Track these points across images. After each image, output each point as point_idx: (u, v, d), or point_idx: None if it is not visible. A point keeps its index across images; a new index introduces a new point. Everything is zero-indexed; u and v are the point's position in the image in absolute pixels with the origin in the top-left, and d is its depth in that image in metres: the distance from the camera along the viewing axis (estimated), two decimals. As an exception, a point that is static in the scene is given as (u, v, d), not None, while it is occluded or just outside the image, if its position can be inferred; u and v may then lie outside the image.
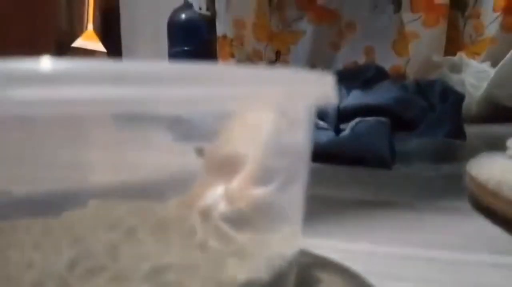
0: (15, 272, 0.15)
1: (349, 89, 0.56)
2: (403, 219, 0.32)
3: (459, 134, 0.53)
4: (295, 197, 0.19)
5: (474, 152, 0.39)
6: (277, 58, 1.09)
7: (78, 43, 1.46)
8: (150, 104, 0.13)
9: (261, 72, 0.14)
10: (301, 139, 0.19)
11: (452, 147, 0.51)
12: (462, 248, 0.27)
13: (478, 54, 0.93)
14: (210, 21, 1.07)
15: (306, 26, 1.06)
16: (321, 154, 0.47)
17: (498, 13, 0.92)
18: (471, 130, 0.58)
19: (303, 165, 0.19)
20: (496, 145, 0.38)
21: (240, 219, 0.17)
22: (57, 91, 0.12)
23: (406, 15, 0.97)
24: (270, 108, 0.17)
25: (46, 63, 0.12)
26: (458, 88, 0.69)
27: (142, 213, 0.19)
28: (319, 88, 0.15)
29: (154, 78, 0.13)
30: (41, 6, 1.23)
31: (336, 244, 0.28)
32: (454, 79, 0.86)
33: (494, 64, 0.87)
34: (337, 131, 0.51)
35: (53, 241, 0.18)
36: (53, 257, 0.16)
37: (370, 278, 0.23)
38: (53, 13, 1.36)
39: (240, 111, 0.18)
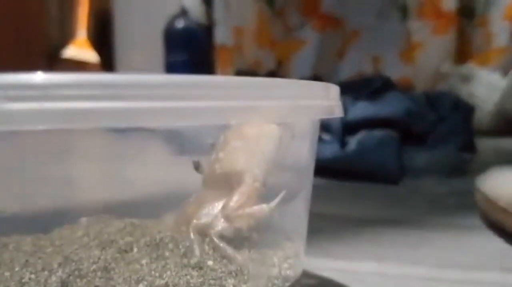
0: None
1: (355, 100, 0.56)
2: (412, 237, 0.32)
3: (470, 147, 0.53)
4: (298, 214, 0.19)
5: (485, 166, 0.39)
6: (279, 67, 1.09)
7: (70, 51, 1.48)
8: (147, 118, 0.13)
9: (263, 84, 0.14)
10: (304, 153, 0.19)
11: (463, 161, 0.51)
12: (474, 267, 0.27)
13: (487, 63, 0.94)
14: (207, 30, 1.07)
15: (310, 34, 1.07)
16: (325, 169, 0.47)
17: (507, 22, 0.92)
18: (483, 143, 0.59)
19: (306, 180, 0.19)
20: (507, 159, 0.38)
21: (239, 238, 0.17)
22: (49, 105, 0.12)
23: (414, 23, 0.98)
24: (272, 121, 0.17)
25: (38, 76, 0.12)
26: (468, 99, 0.69)
27: (135, 231, 0.19)
28: (324, 100, 0.15)
29: (151, 91, 0.13)
30: (32, 14, 1.24)
31: (341, 265, 0.27)
32: (463, 90, 0.87)
33: (504, 74, 0.88)
34: (342, 144, 0.51)
35: (43, 260, 0.18)
36: (45, 276, 0.16)
37: (377, 300, 0.22)
38: (44, 21, 1.37)
39: (240, 124, 0.19)
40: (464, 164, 0.52)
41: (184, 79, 0.13)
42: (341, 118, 0.53)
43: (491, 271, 0.26)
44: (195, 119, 0.13)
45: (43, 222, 0.21)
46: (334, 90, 0.16)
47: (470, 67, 0.92)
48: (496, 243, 0.31)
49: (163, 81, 0.13)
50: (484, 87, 0.88)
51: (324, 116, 0.16)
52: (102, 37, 1.56)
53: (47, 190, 0.22)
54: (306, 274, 0.20)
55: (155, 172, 0.23)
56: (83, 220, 0.21)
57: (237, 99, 0.13)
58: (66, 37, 1.49)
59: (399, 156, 0.48)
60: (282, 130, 0.18)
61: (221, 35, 1.10)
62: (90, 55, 1.51)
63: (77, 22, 1.53)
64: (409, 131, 0.53)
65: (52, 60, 1.37)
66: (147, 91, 0.13)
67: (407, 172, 0.48)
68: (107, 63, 1.50)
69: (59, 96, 0.13)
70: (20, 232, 0.20)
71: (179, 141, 0.18)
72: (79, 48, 1.50)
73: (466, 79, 0.91)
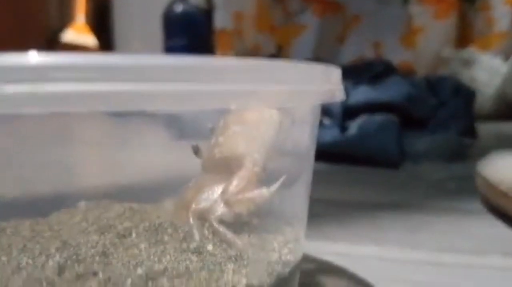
0: (2, 276, 0.15)
1: (355, 85, 0.56)
2: (412, 221, 0.32)
3: (471, 132, 0.53)
4: (298, 198, 0.19)
5: (486, 151, 0.39)
6: (279, 52, 1.08)
7: (69, 35, 1.46)
8: (145, 101, 0.13)
9: (263, 67, 0.14)
10: (305, 138, 0.19)
11: (463, 146, 0.51)
12: (474, 251, 0.27)
13: (488, 48, 0.93)
14: (207, 14, 1.06)
15: (310, 19, 1.06)
16: (325, 154, 0.47)
17: (508, 6, 0.91)
18: (482, 128, 0.58)
19: (307, 165, 0.19)
20: (508, 144, 0.37)
21: (239, 223, 0.17)
22: (46, 87, 0.12)
23: (414, 8, 0.97)
24: (273, 106, 0.17)
25: (34, 57, 0.12)
26: (469, 84, 0.68)
27: (134, 216, 0.19)
28: (325, 84, 0.15)
29: (149, 73, 0.13)
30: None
31: (341, 248, 0.27)
32: (464, 75, 0.86)
33: (506, 58, 0.87)
34: (343, 128, 0.51)
35: (41, 244, 0.17)
36: (42, 261, 0.16)
37: (378, 284, 0.22)
38: (43, 5, 1.36)
39: (240, 109, 0.18)
40: (465, 149, 0.51)
41: (182, 61, 0.13)
42: (342, 102, 0.53)
43: (492, 255, 0.26)
44: (193, 103, 0.13)
45: (42, 207, 0.21)
46: (336, 73, 0.16)
47: (471, 51, 0.92)
48: (497, 227, 0.31)
49: (161, 63, 0.13)
50: (485, 72, 0.88)
51: (326, 101, 0.15)
52: (101, 22, 1.55)
53: (46, 174, 0.22)
54: (306, 258, 0.20)
55: (154, 156, 0.23)
56: (82, 204, 0.21)
57: (237, 82, 0.13)
58: (65, 21, 1.47)
59: (399, 141, 0.48)
60: (282, 115, 0.17)
61: (221, 20, 1.09)
62: (89, 40, 1.50)
63: (76, 6, 1.51)
64: (409, 116, 0.52)
65: (51, 44, 1.36)
66: (145, 73, 0.13)
67: (408, 156, 0.48)
68: (106, 48, 1.49)
69: (54, 78, 0.12)
70: (18, 216, 0.20)
71: (178, 126, 0.18)
72: (78, 33, 1.49)
73: (467, 63, 0.90)
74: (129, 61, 0.13)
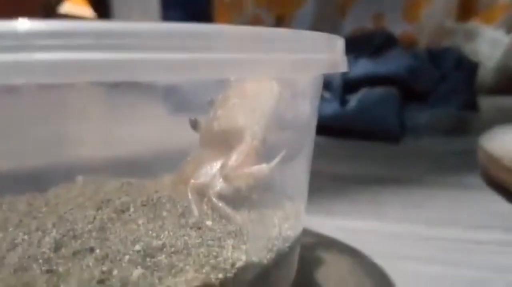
0: (-2, 253, 0.15)
1: (356, 57, 0.55)
2: (412, 196, 0.32)
3: (473, 105, 0.52)
4: (298, 173, 0.18)
5: (487, 125, 0.38)
6: (279, 23, 1.06)
7: (66, 7, 1.43)
8: (140, 71, 0.12)
9: (264, 35, 0.13)
10: (306, 110, 0.18)
11: (465, 120, 0.50)
12: (474, 226, 0.26)
13: (491, 21, 0.91)
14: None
15: (310, -11, 1.03)
16: (325, 128, 0.46)
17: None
18: (484, 101, 0.58)
19: (307, 139, 0.18)
20: (510, 118, 0.37)
21: (239, 198, 0.17)
22: (34, 55, 0.11)
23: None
24: (273, 76, 0.16)
25: (23, 24, 0.11)
26: (471, 57, 0.67)
27: (132, 191, 0.19)
28: (328, 54, 0.14)
29: (144, 41, 0.12)
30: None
31: (341, 223, 0.27)
32: (467, 47, 0.85)
33: (508, 31, 0.86)
34: (343, 102, 0.50)
35: (38, 220, 0.17)
36: (38, 237, 0.16)
37: (377, 258, 0.22)
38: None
39: (239, 80, 0.18)
40: (466, 123, 0.51)
41: (179, 29, 0.12)
42: (342, 75, 0.52)
43: (492, 230, 0.26)
44: (190, 72, 0.12)
45: (39, 182, 0.20)
46: (339, 42, 0.15)
47: (474, 24, 0.90)
48: (498, 202, 0.30)
49: (156, 30, 0.12)
50: (488, 44, 0.86)
51: (328, 71, 0.14)
52: (98, -7, 1.52)
53: (44, 149, 0.22)
54: (306, 232, 0.20)
55: (153, 131, 0.23)
56: (79, 179, 0.21)
57: (236, 51, 0.12)
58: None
59: (399, 114, 0.47)
60: (283, 86, 0.17)
61: (220, -10, 1.07)
62: (86, 11, 1.47)
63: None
64: (410, 89, 0.52)
65: (48, 16, 1.34)
66: (140, 41, 0.12)
67: (408, 130, 0.48)
68: (104, 18, 1.46)
69: (43, 46, 0.11)
70: (15, 192, 0.20)
71: (176, 99, 0.18)
72: (75, 4, 1.46)
73: (470, 36, 0.89)
74: (123, 28, 0.12)
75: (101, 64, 0.12)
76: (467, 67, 0.56)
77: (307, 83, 0.17)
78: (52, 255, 0.15)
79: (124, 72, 0.12)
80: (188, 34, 0.12)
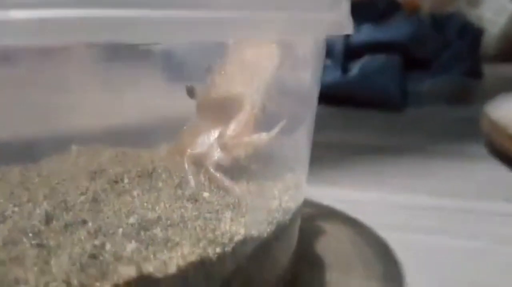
0: (-14, 226, 0.14)
1: (358, 23, 0.53)
2: (414, 165, 0.31)
3: (476, 73, 0.51)
4: (299, 143, 0.18)
5: (491, 93, 0.37)
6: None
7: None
8: (132, 32, 0.11)
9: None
10: (307, 78, 0.17)
11: (468, 87, 0.49)
12: (476, 196, 0.26)
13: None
14: None
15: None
16: (326, 96, 0.45)
17: None
18: (489, 69, 0.56)
19: (309, 108, 0.17)
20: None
21: (237, 168, 0.16)
22: (17, 14, 0.10)
23: None
24: (273, 38, 0.15)
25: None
26: (476, 23, 0.65)
27: (127, 161, 0.18)
28: (332, 14, 0.13)
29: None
30: None
31: (342, 193, 0.27)
32: (471, 14, 0.82)
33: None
34: (344, 69, 0.49)
35: (29, 191, 0.16)
36: (29, 209, 0.15)
37: (378, 229, 0.22)
38: None
39: (238, 45, 0.17)
40: (469, 91, 0.50)
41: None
42: (343, 42, 0.50)
43: (494, 200, 0.25)
44: (185, 33, 0.11)
45: (32, 152, 0.19)
46: (344, 2, 0.14)
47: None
48: (501, 171, 0.30)
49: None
50: (492, 11, 0.84)
51: (332, 33, 0.13)
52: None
53: (37, 119, 0.21)
54: (305, 203, 0.19)
55: (148, 99, 0.22)
56: (74, 149, 0.20)
57: (235, 10, 0.11)
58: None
59: (401, 82, 0.46)
60: (283, 50, 0.16)
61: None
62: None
63: None
64: (413, 56, 0.50)
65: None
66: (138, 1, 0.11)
67: (410, 98, 0.47)
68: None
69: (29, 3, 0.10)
70: (8, 162, 0.19)
71: (172, 67, 0.17)
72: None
73: (474, 2, 0.86)
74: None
75: (89, 24, 0.11)
76: (471, 34, 0.54)
77: (309, 48, 0.16)
78: (43, 228, 0.14)
79: (114, 33, 0.11)
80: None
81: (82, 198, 0.16)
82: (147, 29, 0.11)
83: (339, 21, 0.13)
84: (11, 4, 0.10)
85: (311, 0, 0.13)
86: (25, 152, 0.20)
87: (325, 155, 0.32)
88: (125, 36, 0.11)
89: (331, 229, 0.22)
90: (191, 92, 0.18)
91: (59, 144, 0.20)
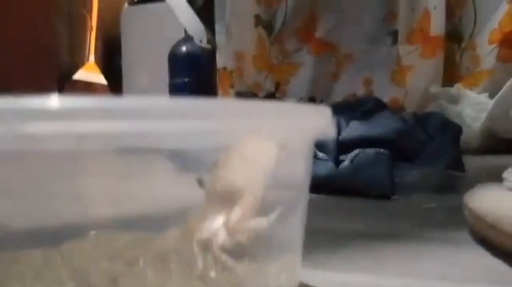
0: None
1: (348, 120, 0.57)
2: (403, 250, 0.32)
3: (458, 165, 0.54)
4: (294, 227, 0.19)
5: (474, 183, 0.39)
6: (277, 89, 1.11)
7: (80, 75, 1.49)
8: (152, 138, 0.14)
9: (260, 106, 0.15)
10: (300, 170, 0.19)
11: (452, 178, 0.51)
12: (462, 280, 0.27)
13: (475, 85, 0.95)
14: (210, 54, 1.09)
15: (306, 58, 1.08)
16: (321, 186, 0.47)
17: (493, 46, 0.94)
18: (471, 161, 0.59)
19: (302, 196, 0.19)
20: (494, 177, 0.38)
21: (240, 250, 0.18)
22: (66, 126, 0.13)
23: (403, 47, 1.00)
24: (269, 140, 0.17)
25: (53, 100, 0.13)
26: (456, 119, 0.70)
27: (142, 245, 0.19)
28: (317, 121, 0.16)
29: (157, 114, 0.13)
30: (43, 38, 1.26)
31: (336, 277, 0.28)
32: (452, 110, 0.87)
33: (492, 95, 0.89)
34: (337, 162, 0.52)
35: (53, 272, 0.18)
36: (55, 288, 0.16)
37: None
38: (55, 45, 1.39)
39: (239, 143, 0.19)
40: (453, 181, 0.52)
41: (188, 103, 0.14)
42: (336, 137, 0.54)
43: (479, 284, 0.26)
44: (197, 140, 0.14)
45: (53, 237, 0.21)
46: (326, 112, 0.17)
47: (459, 88, 0.93)
48: (485, 257, 0.31)
49: (168, 105, 0.14)
50: (472, 108, 0.89)
51: (317, 137, 0.16)
52: (110, 61, 1.58)
53: (58, 206, 0.22)
54: (302, 286, 0.21)
55: (160, 188, 0.24)
56: (92, 234, 0.21)
57: (237, 122, 0.14)
58: (76, 62, 1.50)
59: (390, 173, 0.48)
60: (279, 148, 0.18)
61: (223, 59, 1.12)
62: (98, 77, 1.53)
63: (87, 48, 1.55)
64: (400, 149, 0.53)
65: (62, 81, 1.39)
66: (153, 113, 0.13)
67: (399, 188, 0.49)
68: (114, 84, 1.51)
69: (72, 119, 0.13)
70: (30, 246, 0.20)
71: (182, 159, 0.19)
72: (88, 71, 1.52)
73: (455, 100, 0.91)
74: (138, 103, 0.13)
75: (120, 133, 0.13)
76: (452, 130, 0.58)
77: (300, 146, 0.19)
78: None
79: (138, 140, 0.14)
80: (198, 108, 0.14)
81: (103, 278, 0.17)
82: (168, 138, 0.14)
83: (323, 127, 0.16)
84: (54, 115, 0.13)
85: (301, 110, 0.16)
86: (46, 237, 0.21)
87: (321, 240, 0.34)
88: (145, 143, 0.14)
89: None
90: (201, 183, 0.20)
91: (78, 229, 0.22)
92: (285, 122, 0.15)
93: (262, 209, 0.18)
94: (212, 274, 0.17)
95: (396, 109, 0.81)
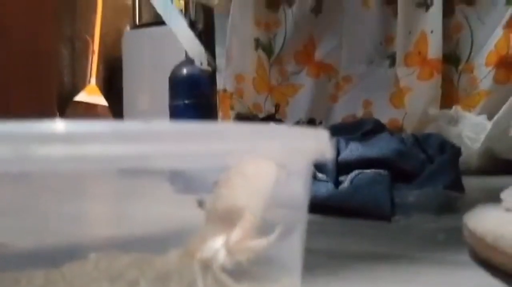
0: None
1: (348, 141, 0.58)
2: (403, 272, 0.32)
3: (458, 186, 0.54)
4: (294, 248, 0.19)
5: (473, 204, 0.39)
6: (277, 110, 1.12)
7: (81, 97, 1.50)
8: (153, 160, 0.14)
9: (260, 129, 0.15)
10: (299, 191, 0.20)
11: (451, 199, 0.52)
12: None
13: (473, 107, 0.95)
14: (210, 76, 1.11)
15: (305, 80, 1.10)
16: (321, 206, 0.48)
17: (490, 68, 0.95)
18: (470, 182, 0.59)
19: (301, 216, 0.20)
20: (494, 197, 0.38)
21: (240, 270, 0.18)
22: (63, 148, 0.13)
23: (401, 70, 1.01)
24: (269, 161, 0.18)
25: (55, 123, 0.13)
26: (455, 141, 0.70)
27: (143, 265, 0.20)
28: (315, 143, 0.16)
29: (158, 137, 0.14)
30: (44, 61, 1.28)
31: (336, 298, 0.27)
32: (451, 132, 0.88)
33: (490, 117, 0.90)
34: (337, 183, 0.52)
35: (55, 293, 0.18)
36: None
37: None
38: (57, 69, 1.41)
39: (240, 163, 0.19)
40: (453, 202, 0.52)
41: (189, 127, 0.14)
42: (335, 158, 0.54)
43: (479, 304, 0.26)
44: (198, 162, 0.14)
45: (54, 258, 0.21)
46: (324, 134, 0.17)
47: (457, 110, 0.94)
48: (485, 278, 0.31)
49: (170, 129, 0.14)
50: (471, 129, 0.90)
51: (316, 158, 0.16)
52: (111, 83, 1.60)
53: (60, 227, 0.23)
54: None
55: (161, 209, 0.24)
56: (93, 255, 0.22)
57: (236, 142, 0.14)
58: (78, 84, 1.52)
59: (390, 194, 0.49)
60: (279, 169, 0.18)
61: (223, 81, 1.13)
62: (99, 100, 1.54)
63: (88, 71, 1.57)
64: (399, 170, 0.54)
65: (64, 103, 1.40)
66: (155, 137, 0.14)
67: (398, 209, 0.49)
68: (115, 106, 1.52)
69: (79, 142, 0.13)
70: (32, 268, 0.20)
71: (183, 180, 0.19)
72: (89, 94, 1.54)
73: (453, 121, 0.92)
74: (141, 127, 0.14)
75: (122, 156, 0.14)
76: (450, 151, 0.58)
77: (299, 168, 0.19)
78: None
79: (141, 161, 0.14)
80: (199, 131, 0.14)
81: (104, 298, 0.17)
82: (170, 160, 0.14)
83: (321, 149, 0.16)
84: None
85: (300, 132, 0.16)
86: (48, 258, 0.21)
87: (321, 261, 0.34)
88: (146, 164, 0.14)
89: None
90: (201, 204, 0.20)
91: (79, 250, 0.22)
92: (284, 144, 0.15)
93: (262, 230, 0.18)
94: (213, 294, 0.17)
95: (395, 131, 0.82)
